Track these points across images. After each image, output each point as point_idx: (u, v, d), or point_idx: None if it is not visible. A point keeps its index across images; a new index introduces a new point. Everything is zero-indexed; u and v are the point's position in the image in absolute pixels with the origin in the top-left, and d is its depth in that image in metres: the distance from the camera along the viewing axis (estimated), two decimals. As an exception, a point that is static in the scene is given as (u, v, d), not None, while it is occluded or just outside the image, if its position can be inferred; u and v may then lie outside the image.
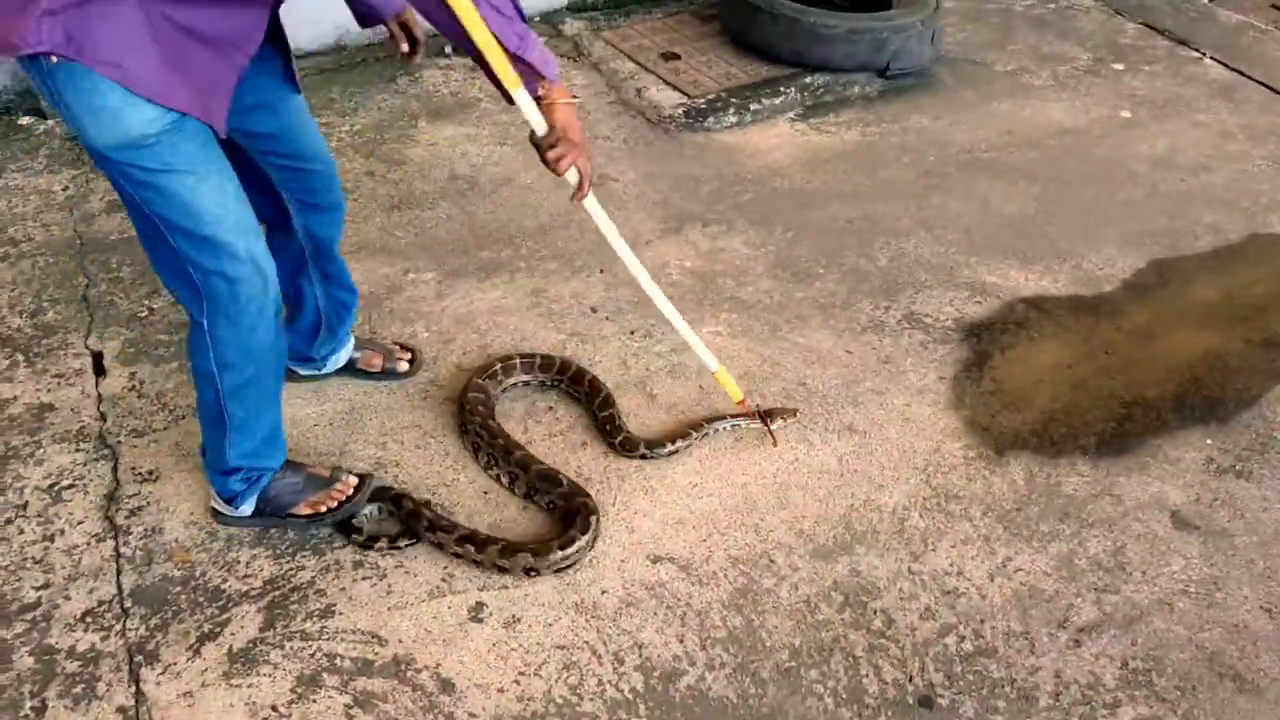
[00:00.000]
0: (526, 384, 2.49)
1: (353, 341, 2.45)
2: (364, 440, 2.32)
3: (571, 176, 1.83)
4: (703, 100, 3.71)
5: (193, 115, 1.60)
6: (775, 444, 2.36)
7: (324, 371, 2.44)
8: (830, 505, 2.24)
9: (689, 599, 2.03)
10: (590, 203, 1.92)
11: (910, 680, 1.92)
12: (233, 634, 1.92)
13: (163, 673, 1.85)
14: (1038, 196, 3.32)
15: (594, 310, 2.75)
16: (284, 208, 2.10)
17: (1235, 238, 3.20)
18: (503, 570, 2.02)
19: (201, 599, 1.98)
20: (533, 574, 2.02)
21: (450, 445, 2.32)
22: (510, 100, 1.73)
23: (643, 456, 2.30)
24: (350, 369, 2.45)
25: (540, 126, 1.76)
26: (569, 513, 2.12)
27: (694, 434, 2.34)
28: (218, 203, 1.68)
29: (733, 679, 1.90)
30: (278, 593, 1.99)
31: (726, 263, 2.96)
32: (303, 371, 2.42)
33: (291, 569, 2.04)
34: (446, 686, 1.85)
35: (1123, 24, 4.55)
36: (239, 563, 2.04)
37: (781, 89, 3.76)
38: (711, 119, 3.63)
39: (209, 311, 1.77)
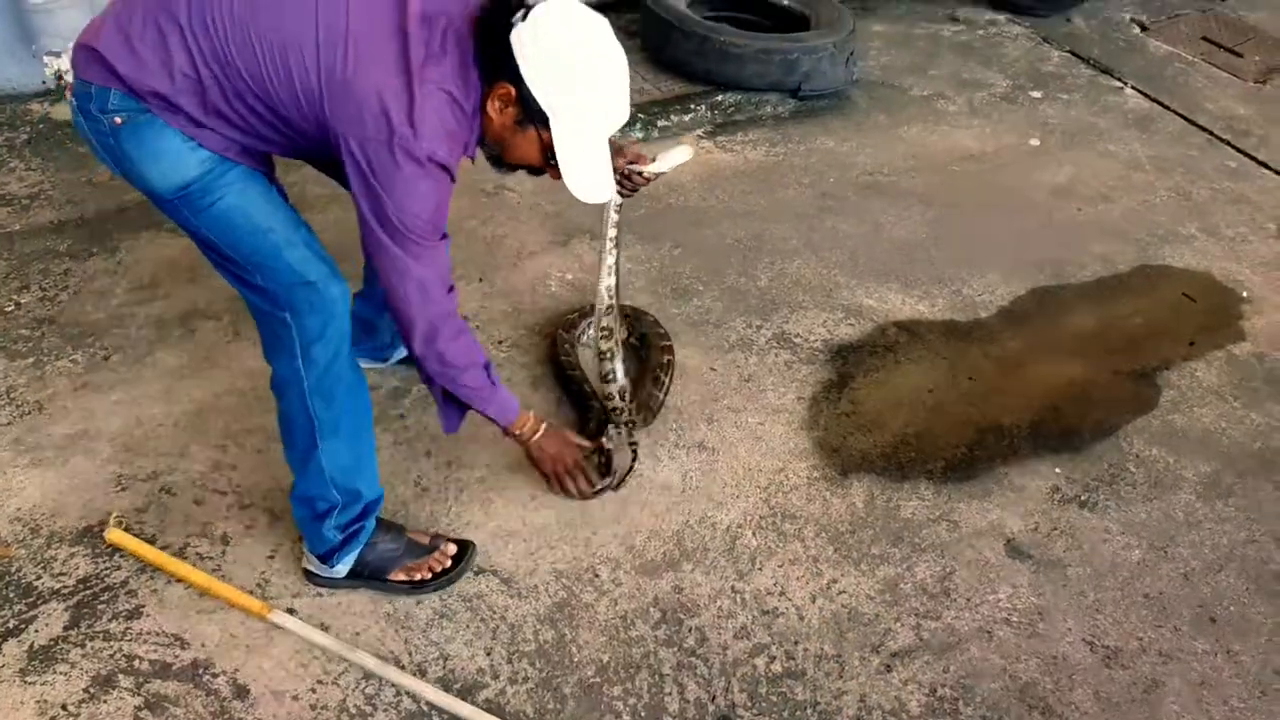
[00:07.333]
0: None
1: None
2: (205, 443, 2.31)
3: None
4: (613, 114, 3.72)
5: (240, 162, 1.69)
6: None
7: (390, 361, 2.54)
8: (665, 521, 2.25)
9: (504, 612, 2.03)
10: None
11: (713, 700, 1.92)
12: (36, 631, 1.91)
13: (-41, 668, 1.85)
14: (931, 222, 3.34)
15: (466, 319, 2.75)
16: None
17: (1123, 268, 3.22)
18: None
19: (12, 595, 1.97)
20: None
21: (290, 450, 2.32)
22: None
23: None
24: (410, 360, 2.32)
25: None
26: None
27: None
28: (269, 209, 1.73)
29: (533, 693, 1.90)
30: (88, 592, 1.99)
31: (608, 277, 2.96)
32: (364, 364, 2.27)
33: (107, 569, 2.03)
34: (241, 692, 1.84)
35: (1048, 52, 4.58)
36: (56, 560, 2.04)
37: (692, 106, 3.78)
38: (617, 133, 3.63)
39: (292, 311, 1.76)
